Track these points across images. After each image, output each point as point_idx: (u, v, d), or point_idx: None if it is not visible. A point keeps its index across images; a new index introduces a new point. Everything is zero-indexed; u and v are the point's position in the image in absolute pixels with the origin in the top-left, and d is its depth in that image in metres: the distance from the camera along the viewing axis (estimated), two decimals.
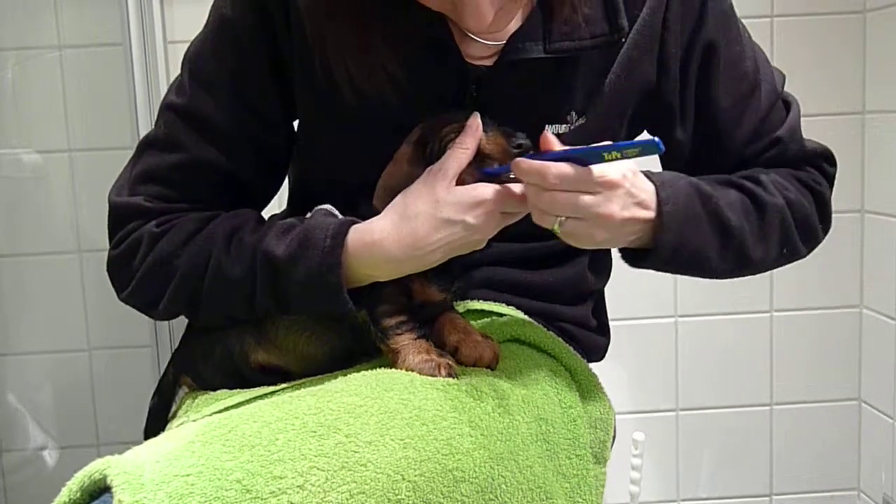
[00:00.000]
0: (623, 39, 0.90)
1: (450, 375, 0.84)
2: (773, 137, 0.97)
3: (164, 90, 0.98)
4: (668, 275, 0.95)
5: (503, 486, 0.79)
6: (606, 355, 1.11)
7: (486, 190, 0.82)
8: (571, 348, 0.98)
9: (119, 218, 0.94)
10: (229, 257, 0.88)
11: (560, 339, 0.98)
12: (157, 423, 1.00)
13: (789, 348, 1.77)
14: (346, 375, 0.85)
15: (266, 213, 0.98)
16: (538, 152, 0.81)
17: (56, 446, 1.68)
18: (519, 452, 0.82)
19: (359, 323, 0.89)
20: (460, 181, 0.83)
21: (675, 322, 1.75)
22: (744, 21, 0.99)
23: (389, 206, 0.85)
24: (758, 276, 0.98)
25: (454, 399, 0.80)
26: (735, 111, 0.96)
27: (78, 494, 0.68)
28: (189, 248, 0.89)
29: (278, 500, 0.66)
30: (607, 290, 1.13)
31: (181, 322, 1.00)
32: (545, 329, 0.99)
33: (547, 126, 0.90)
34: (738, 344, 1.76)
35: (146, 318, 1.01)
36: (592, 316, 1.09)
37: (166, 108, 0.95)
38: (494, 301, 1.00)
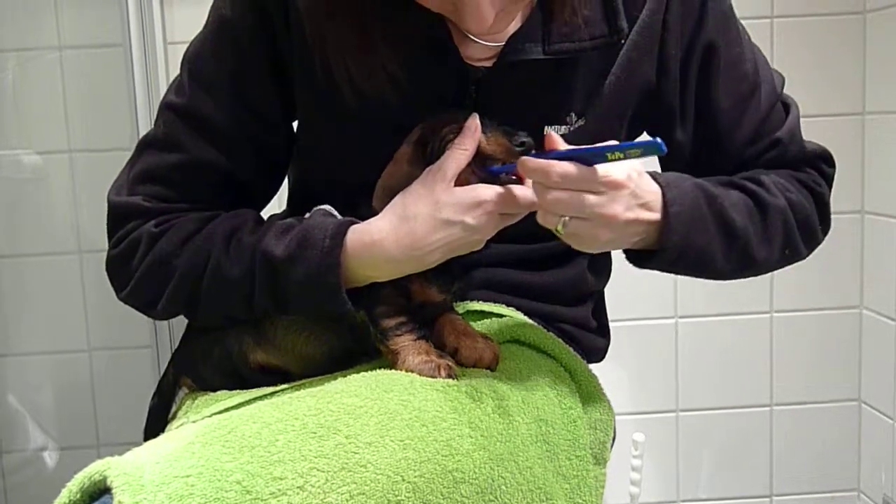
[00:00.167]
0: (622, 41, 0.90)
1: (449, 376, 0.84)
2: (772, 139, 0.98)
3: (163, 91, 0.98)
4: (668, 275, 0.95)
5: (503, 487, 0.79)
6: (606, 356, 1.12)
7: (485, 191, 0.82)
8: (571, 349, 0.98)
9: (118, 217, 0.94)
10: (228, 257, 0.88)
11: (560, 340, 0.98)
12: (157, 423, 1.00)
13: (789, 349, 1.77)
14: (345, 376, 0.85)
15: (266, 213, 0.98)
16: (542, 151, 0.81)
17: (56, 447, 1.68)
18: (519, 453, 0.82)
19: (358, 323, 0.89)
20: (460, 182, 0.83)
21: (675, 323, 1.75)
22: (744, 22, 0.99)
23: (388, 206, 0.85)
24: (758, 276, 0.98)
25: (454, 400, 0.80)
26: (735, 112, 0.97)
27: (78, 495, 0.68)
28: (188, 248, 0.90)
29: (278, 501, 0.66)
30: (607, 290, 1.13)
31: (181, 323, 1.00)
32: (545, 330, 0.99)
33: (546, 127, 0.90)
34: (738, 345, 1.77)
35: (146, 318, 1.02)
36: (592, 317, 1.09)
37: (166, 107, 0.95)
38: (494, 302, 1.00)
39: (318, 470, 0.69)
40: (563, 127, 0.92)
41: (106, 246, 0.95)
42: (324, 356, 0.92)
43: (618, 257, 1.02)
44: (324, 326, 0.91)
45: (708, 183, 0.90)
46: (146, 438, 0.97)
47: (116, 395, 1.67)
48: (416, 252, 0.83)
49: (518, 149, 0.82)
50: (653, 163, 1.01)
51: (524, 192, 0.82)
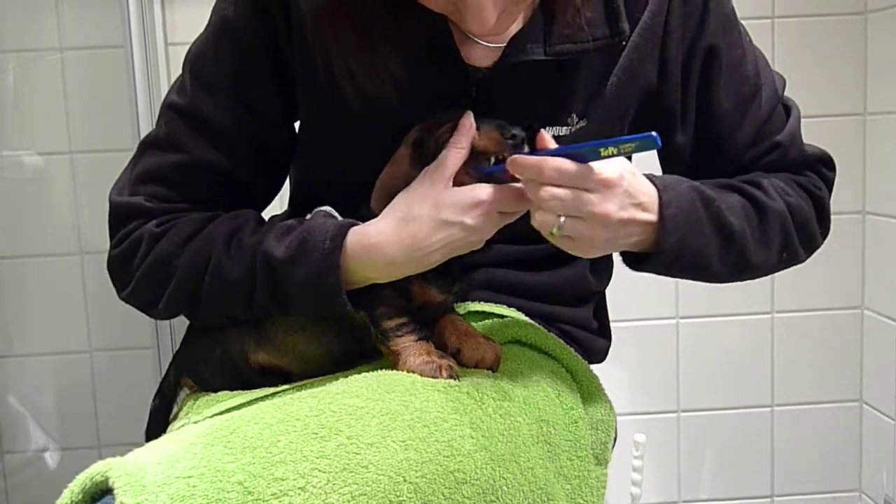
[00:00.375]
0: (624, 42, 0.90)
1: (451, 377, 0.84)
2: (773, 142, 0.97)
3: (164, 92, 0.98)
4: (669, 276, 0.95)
5: (504, 487, 0.79)
6: (608, 356, 1.11)
7: (484, 190, 0.82)
8: (573, 350, 0.98)
9: (119, 217, 0.94)
10: (229, 258, 0.88)
11: (561, 341, 0.98)
12: (158, 424, 1.01)
13: (791, 350, 1.77)
14: (347, 377, 0.85)
15: (267, 214, 0.98)
16: (534, 151, 0.81)
17: (57, 448, 1.68)
18: (520, 454, 0.82)
19: (358, 324, 0.89)
20: (458, 181, 0.83)
21: (676, 323, 1.75)
22: (745, 22, 0.99)
23: (388, 208, 0.85)
24: (756, 279, 0.98)
25: (455, 401, 0.80)
26: (736, 115, 0.96)
27: (80, 496, 0.68)
28: (189, 249, 0.90)
29: (280, 501, 0.66)
30: (608, 291, 1.13)
31: (182, 323, 1.00)
32: (546, 331, 0.98)
33: (547, 128, 0.90)
34: (739, 345, 1.77)
35: (147, 319, 1.02)
36: (593, 318, 1.09)
37: (167, 108, 0.96)
38: (495, 303, 1.00)
39: (319, 471, 0.69)
40: (565, 128, 0.92)
41: (107, 247, 0.95)
42: (324, 357, 0.92)
43: (619, 258, 1.02)
44: (324, 327, 0.91)
45: (705, 185, 0.90)
46: (148, 439, 0.97)
47: (117, 396, 1.67)
48: (417, 253, 0.83)
49: (509, 141, 0.82)
50: (654, 165, 1.01)
51: (522, 189, 0.82)
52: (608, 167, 0.78)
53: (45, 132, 1.62)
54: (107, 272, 0.96)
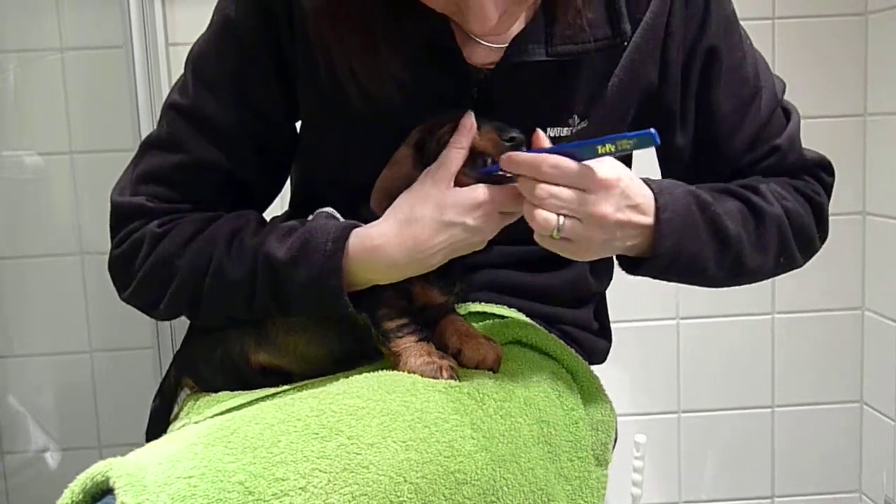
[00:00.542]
0: (625, 43, 0.90)
1: (451, 377, 0.84)
2: (772, 145, 0.97)
3: (165, 92, 0.98)
4: None
5: (505, 488, 0.79)
6: (608, 357, 1.11)
7: (485, 191, 0.82)
8: (573, 351, 0.98)
9: (121, 218, 0.94)
10: (230, 259, 0.88)
11: (562, 342, 0.98)
12: (158, 424, 1.01)
13: (791, 351, 1.77)
14: (347, 377, 0.85)
15: (268, 214, 0.98)
16: (530, 149, 0.81)
17: (58, 448, 1.68)
18: (521, 454, 0.82)
19: (360, 325, 0.89)
20: (458, 182, 0.83)
21: (676, 324, 1.75)
22: (745, 23, 0.99)
23: (389, 209, 0.85)
24: (762, 282, 0.98)
25: (456, 401, 0.80)
26: (735, 117, 0.96)
27: (80, 496, 0.68)
28: (190, 249, 0.90)
29: (280, 501, 0.66)
30: (609, 292, 1.13)
31: (183, 323, 1.00)
32: (546, 331, 0.98)
33: (549, 129, 0.90)
34: (739, 346, 1.76)
35: (148, 319, 1.02)
36: (594, 319, 1.09)
37: (169, 107, 0.96)
38: (496, 303, 1.00)
39: (320, 471, 0.69)
40: (566, 129, 0.92)
41: (107, 247, 0.95)
42: (325, 357, 0.92)
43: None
44: (325, 328, 0.91)
45: (702, 190, 0.90)
46: (148, 439, 0.97)
47: (118, 397, 1.67)
48: (419, 255, 0.83)
49: (507, 143, 0.82)
50: (653, 167, 1.01)
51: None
52: (606, 167, 0.78)
53: (46, 132, 1.62)
54: (108, 273, 0.96)
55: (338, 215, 0.90)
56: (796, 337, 1.77)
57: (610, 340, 1.12)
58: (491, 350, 0.90)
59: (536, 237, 0.81)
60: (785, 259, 0.95)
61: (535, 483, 0.82)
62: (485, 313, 0.99)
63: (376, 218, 0.86)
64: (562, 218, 0.78)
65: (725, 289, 0.98)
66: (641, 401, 1.77)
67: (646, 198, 0.83)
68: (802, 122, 1.00)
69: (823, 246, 1.01)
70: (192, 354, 0.98)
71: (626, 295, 1.29)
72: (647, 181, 0.85)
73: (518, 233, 0.86)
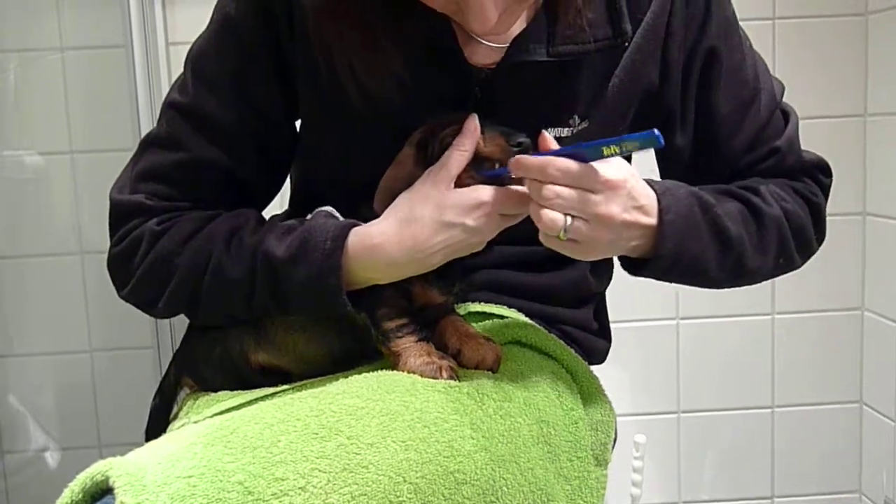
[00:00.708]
0: (626, 43, 0.90)
1: (451, 378, 0.84)
2: (771, 147, 0.97)
3: (165, 92, 0.98)
4: None
5: (504, 488, 0.79)
6: (608, 357, 1.11)
7: (486, 192, 0.82)
8: (573, 351, 0.98)
9: (120, 215, 0.94)
10: (229, 257, 0.88)
11: (561, 342, 0.98)
12: (158, 424, 1.01)
13: (791, 351, 1.77)
14: (347, 377, 0.85)
15: (268, 213, 0.98)
16: (536, 152, 0.81)
17: (58, 448, 1.68)
18: (520, 454, 0.82)
19: (359, 324, 0.89)
20: (461, 183, 0.83)
21: (676, 324, 1.75)
22: (745, 23, 0.99)
23: (389, 208, 0.85)
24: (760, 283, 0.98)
25: (456, 401, 0.80)
26: (734, 119, 0.96)
27: (80, 496, 0.68)
28: (189, 247, 0.90)
29: (280, 501, 0.66)
30: (609, 292, 1.13)
31: (183, 323, 1.00)
32: (546, 332, 0.98)
33: (549, 129, 0.90)
34: (739, 346, 1.76)
35: (148, 319, 1.02)
36: (594, 319, 1.09)
37: (169, 106, 0.96)
38: (495, 303, 1.00)
39: (319, 471, 0.69)
40: (567, 129, 0.92)
41: (107, 247, 0.95)
42: (324, 357, 0.92)
43: (618, 261, 1.02)
44: (325, 327, 0.91)
45: (703, 191, 0.90)
46: (148, 439, 0.97)
47: (118, 396, 1.67)
48: (418, 255, 0.83)
49: (515, 149, 0.82)
50: (652, 167, 1.01)
51: (524, 191, 0.82)
52: (612, 169, 0.78)
53: (46, 132, 1.62)
54: (107, 271, 0.96)
55: (337, 214, 0.90)
56: (796, 337, 1.77)
57: (610, 340, 1.12)
58: (491, 350, 0.90)
59: (542, 237, 0.81)
60: (784, 260, 0.96)
61: (535, 483, 0.82)
62: (484, 313, 0.99)
63: (376, 217, 0.86)
64: (569, 218, 0.79)
65: (725, 290, 0.98)
66: (641, 401, 1.77)
67: (650, 199, 0.83)
68: (803, 122, 1.01)
69: (823, 246, 1.01)
70: (191, 354, 0.98)
71: (626, 295, 1.29)
72: (650, 182, 0.85)
73: (518, 233, 0.86)
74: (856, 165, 1.71)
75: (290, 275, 0.85)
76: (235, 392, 0.92)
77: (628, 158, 1.00)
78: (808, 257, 1.00)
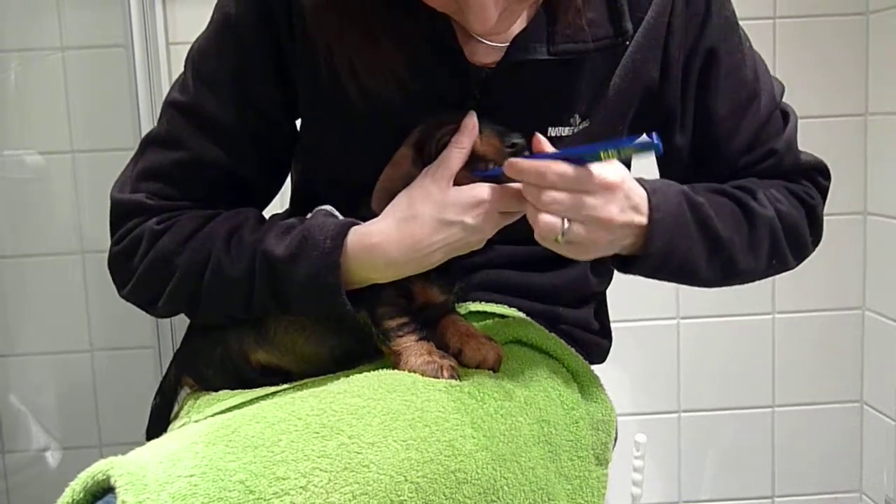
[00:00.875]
0: (627, 43, 0.90)
1: (452, 377, 0.84)
2: (769, 148, 0.97)
3: (166, 91, 0.98)
4: None
5: (505, 487, 0.79)
6: (608, 357, 1.11)
7: (485, 190, 0.82)
8: (573, 350, 0.98)
9: (120, 214, 0.94)
10: (229, 256, 0.88)
11: (562, 341, 0.98)
12: (159, 423, 1.01)
13: (791, 350, 1.77)
14: (348, 376, 0.85)
15: (268, 212, 0.98)
16: (531, 154, 0.81)
17: (58, 447, 1.68)
18: (521, 454, 0.82)
19: (359, 324, 0.89)
20: (457, 182, 0.83)
21: (677, 324, 1.75)
22: (746, 23, 0.99)
23: (388, 207, 0.85)
24: (755, 283, 0.98)
25: (457, 400, 0.80)
26: (733, 119, 0.96)
27: (81, 495, 0.68)
28: (189, 247, 0.90)
29: (281, 500, 0.66)
30: (609, 292, 1.13)
31: (183, 322, 1.00)
32: (547, 331, 0.98)
33: (550, 128, 0.90)
34: (740, 346, 1.76)
35: (148, 318, 1.02)
36: (594, 318, 1.09)
37: (169, 105, 0.96)
38: (496, 303, 1.00)
39: (320, 470, 0.69)
40: (567, 128, 0.92)
41: (108, 246, 0.95)
42: (324, 356, 0.92)
43: None
44: (325, 327, 0.91)
45: (695, 190, 0.90)
46: (148, 438, 0.97)
47: (118, 395, 1.67)
48: (417, 253, 0.83)
49: (508, 150, 0.82)
50: (652, 166, 1.01)
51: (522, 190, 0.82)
52: (609, 169, 0.79)
53: (47, 131, 1.62)
54: (107, 270, 0.96)
55: (337, 213, 0.90)
56: (797, 337, 1.76)
57: (610, 340, 1.12)
58: (492, 350, 0.90)
59: (539, 239, 0.81)
60: (777, 261, 0.96)
61: (536, 482, 0.82)
62: (485, 312, 0.99)
63: (375, 217, 0.86)
64: (566, 222, 0.79)
65: (725, 289, 0.98)
66: (642, 400, 1.77)
67: (641, 198, 0.83)
68: (803, 121, 1.00)
69: (824, 246, 1.01)
70: (191, 353, 0.98)
71: (627, 295, 1.29)
72: (640, 180, 0.85)
73: (518, 232, 0.86)
74: (857, 165, 1.71)
75: (289, 274, 0.85)
76: (236, 391, 0.92)
77: (627, 163, 1.00)
78: (803, 259, 1.00)
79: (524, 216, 0.83)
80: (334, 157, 0.96)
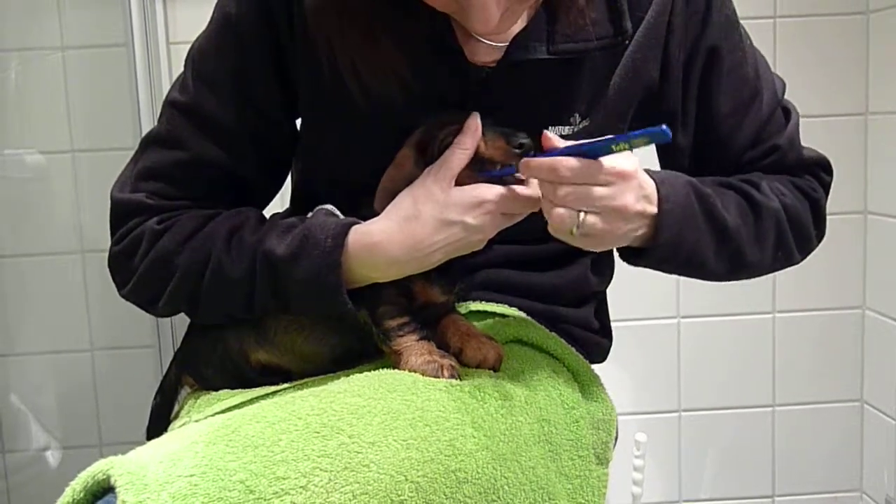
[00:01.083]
0: (627, 42, 0.90)
1: (452, 377, 0.84)
2: (771, 145, 0.98)
3: (166, 91, 0.98)
4: (670, 276, 0.95)
5: (506, 486, 0.79)
6: (609, 356, 1.11)
7: (487, 190, 0.82)
8: (574, 349, 0.98)
9: (120, 214, 0.94)
10: (230, 256, 0.88)
11: (562, 341, 0.98)
12: (159, 423, 1.01)
13: (792, 350, 1.77)
14: (348, 376, 0.85)
15: (268, 212, 0.98)
16: (541, 152, 0.81)
17: (59, 447, 1.69)
18: (522, 453, 0.82)
19: (359, 323, 0.89)
20: (460, 182, 0.83)
21: (677, 323, 1.75)
22: (746, 22, 0.99)
23: (389, 207, 0.85)
24: (760, 277, 0.98)
25: (457, 400, 0.80)
26: (736, 117, 0.96)
27: (81, 495, 0.68)
28: (189, 246, 0.90)
29: (281, 500, 0.66)
30: (610, 291, 1.13)
31: (184, 322, 1.00)
32: (547, 330, 0.98)
33: (550, 128, 0.90)
34: (740, 345, 1.76)
35: (149, 318, 1.02)
36: (595, 318, 1.09)
37: (169, 104, 0.96)
38: (496, 303, 1.00)
39: (321, 469, 0.69)
40: (567, 128, 0.92)
41: (108, 245, 0.95)
42: (324, 356, 0.92)
43: (619, 257, 1.02)
44: (325, 326, 0.91)
45: (701, 182, 0.91)
46: (149, 438, 0.97)
47: (119, 395, 1.67)
48: (418, 253, 0.83)
49: (516, 150, 0.82)
50: (653, 165, 1.01)
51: (525, 191, 0.82)
52: (622, 159, 0.79)
53: (47, 131, 1.62)
54: (108, 270, 0.96)
55: (337, 212, 0.90)
56: (797, 336, 1.76)
57: (611, 339, 1.12)
58: (492, 350, 0.90)
59: (554, 233, 0.81)
60: (783, 253, 0.96)
61: (536, 482, 0.82)
62: (485, 312, 0.99)
63: (377, 216, 0.86)
64: (582, 214, 0.79)
65: (726, 288, 0.98)
66: (642, 400, 1.77)
67: (652, 188, 0.84)
68: (804, 120, 1.01)
69: (824, 245, 1.01)
70: (192, 352, 0.98)
71: (627, 294, 1.29)
72: (648, 172, 0.85)
73: (519, 232, 0.86)
74: (857, 164, 1.71)
75: (290, 273, 0.85)
76: (236, 391, 0.92)
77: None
78: (808, 253, 1.00)
79: (526, 216, 0.83)
80: (335, 156, 0.96)
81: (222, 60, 0.93)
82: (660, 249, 0.85)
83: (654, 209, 0.83)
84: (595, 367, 1.01)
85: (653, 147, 1.01)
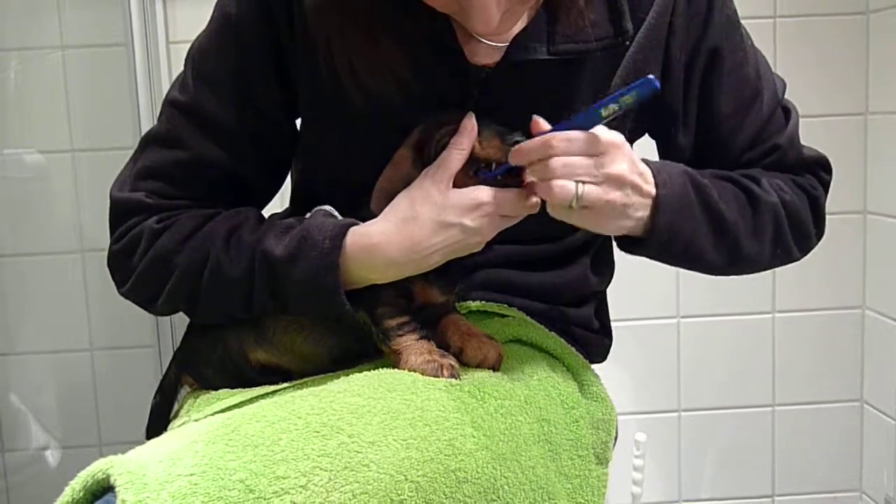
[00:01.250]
0: (628, 43, 0.90)
1: (452, 376, 0.84)
2: (772, 144, 0.98)
3: (166, 90, 0.98)
4: (670, 275, 0.95)
5: (505, 486, 0.79)
6: (609, 356, 1.11)
7: (484, 192, 0.82)
8: (574, 349, 0.98)
9: (120, 213, 0.94)
10: (228, 256, 0.88)
11: (562, 340, 0.98)
12: (159, 422, 1.01)
13: (792, 349, 1.77)
14: (348, 375, 0.85)
15: (267, 212, 0.98)
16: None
17: (58, 446, 1.69)
18: (521, 453, 0.82)
19: (358, 323, 0.89)
20: (457, 183, 0.83)
21: (677, 323, 1.75)
22: (746, 22, 0.99)
23: (388, 208, 0.85)
24: (760, 277, 0.98)
25: (457, 399, 0.80)
26: (736, 117, 0.97)
27: (81, 494, 0.68)
28: (188, 246, 0.90)
29: (281, 499, 0.66)
30: (609, 291, 1.13)
31: (183, 321, 1.00)
32: (547, 330, 0.98)
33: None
34: (740, 345, 1.76)
35: (149, 317, 1.02)
36: (595, 318, 1.09)
37: (169, 104, 0.96)
38: (496, 303, 1.00)
39: (320, 469, 0.69)
40: None
41: (108, 244, 0.95)
42: (324, 356, 0.92)
43: (619, 257, 1.02)
44: (324, 326, 0.91)
45: (699, 173, 0.91)
46: (148, 437, 0.97)
47: (118, 395, 1.67)
48: (416, 255, 0.83)
49: (511, 148, 0.82)
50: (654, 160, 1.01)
51: (524, 193, 0.82)
52: (610, 132, 0.80)
53: (47, 130, 1.62)
54: (107, 269, 0.96)
55: (336, 213, 0.90)
56: (797, 336, 1.76)
57: (610, 339, 1.12)
58: (492, 349, 0.90)
59: (553, 210, 0.81)
60: (781, 249, 0.96)
61: (536, 481, 0.82)
62: (485, 312, 0.99)
63: (375, 217, 0.86)
64: (580, 185, 0.79)
65: (726, 288, 0.98)
66: (642, 399, 1.77)
67: (647, 171, 0.84)
68: (804, 120, 1.01)
69: (824, 244, 1.01)
70: (191, 352, 0.98)
71: (627, 294, 1.29)
72: (644, 160, 0.86)
73: (519, 232, 0.86)
74: (857, 164, 1.71)
75: (288, 274, 0.85)
76: (236, 390, 0.92)
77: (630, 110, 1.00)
78: (807, 250, 1.00)
79: (525, 217, 0.83)
80: (334, 156, 0.96)
81: (222, 60, 0.93)
82: (657, 236, 0.86)
83: (651, 189, 0.84)
84: (595, 366, 1.01)
85: (653, 146, 1.02)
